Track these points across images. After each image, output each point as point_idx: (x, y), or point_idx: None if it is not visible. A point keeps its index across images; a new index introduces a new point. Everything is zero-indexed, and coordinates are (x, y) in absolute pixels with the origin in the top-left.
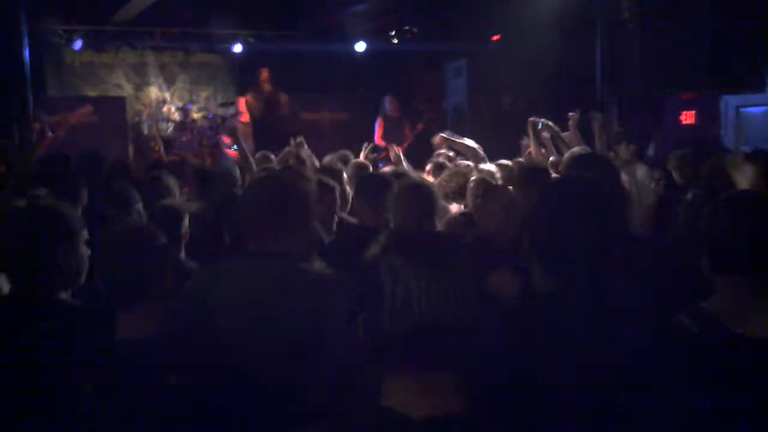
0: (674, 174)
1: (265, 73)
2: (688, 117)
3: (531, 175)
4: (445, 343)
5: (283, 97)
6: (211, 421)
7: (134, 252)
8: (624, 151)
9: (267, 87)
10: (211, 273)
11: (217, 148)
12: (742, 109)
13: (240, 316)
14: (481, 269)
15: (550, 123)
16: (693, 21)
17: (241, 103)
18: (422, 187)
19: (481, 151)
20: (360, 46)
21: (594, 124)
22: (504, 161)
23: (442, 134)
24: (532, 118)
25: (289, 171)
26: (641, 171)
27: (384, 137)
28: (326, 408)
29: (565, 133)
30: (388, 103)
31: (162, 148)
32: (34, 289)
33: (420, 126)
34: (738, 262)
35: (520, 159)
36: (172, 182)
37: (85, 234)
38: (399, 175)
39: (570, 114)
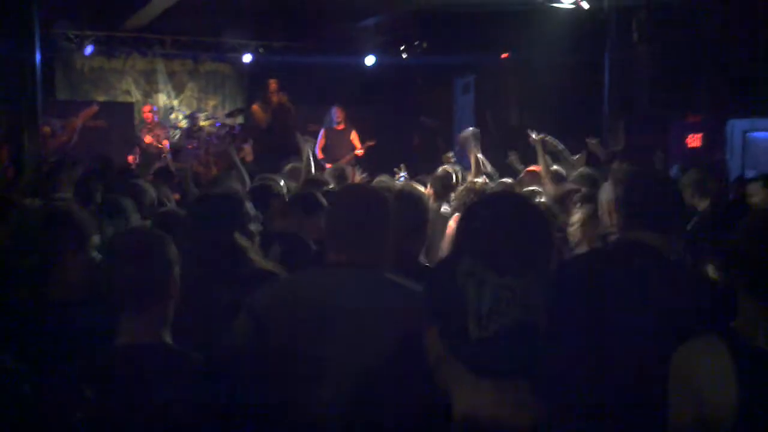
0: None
1: (273, 84)
2: (694, 140)
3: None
4: (529, 347)
5: (291, 108)
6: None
7: (139, 257)
8: (617, 167)
9: (275, 98)
10: (286, 284)
11: (223, 156)
12: (749, 134)
13: (317, 329)
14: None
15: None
16: (702, 45)
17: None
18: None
19: (487, 168)
20: (369, 60)
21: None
22: (506, 179)
23: (470, 137)
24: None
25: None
26: None
27: (325, 150)
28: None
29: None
30: (335, 115)
31: (169, 155)
32: (44, 290)
33: (370, 142)
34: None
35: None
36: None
37: (96, 236)
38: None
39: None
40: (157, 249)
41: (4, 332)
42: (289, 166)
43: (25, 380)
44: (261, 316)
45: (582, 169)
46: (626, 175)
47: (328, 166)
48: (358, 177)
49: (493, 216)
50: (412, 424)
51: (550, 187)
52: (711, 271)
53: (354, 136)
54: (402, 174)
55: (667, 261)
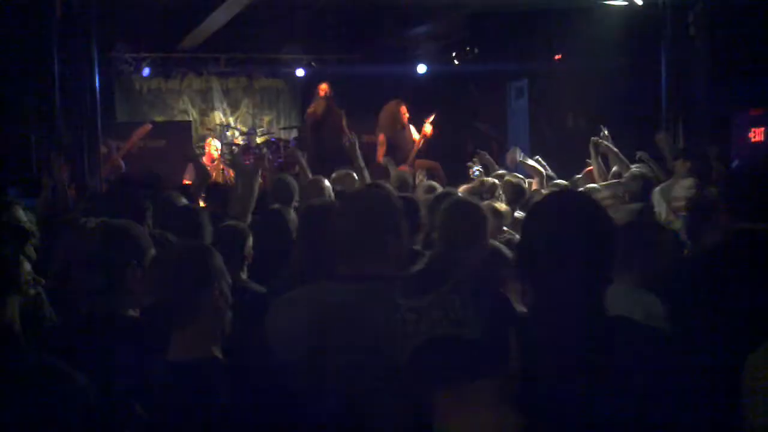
0: None
1: (324, 87)
2: (757, 134)
3: None
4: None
5: (341, 113)
6: None
7: (187, 272)
8: (680, 167)
9: (323, 99)
10: (290, 299)
11: (278, 171)
12: None
13: (322, 344)
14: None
15: (606, 142)
16: (762, 35)
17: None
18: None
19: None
20: (421, 68)
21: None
22: (560, 181)
23: (516, 153)
24: (594, 139)
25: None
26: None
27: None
28: None
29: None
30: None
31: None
32: (106, 306)
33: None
34: None
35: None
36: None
37: (153, 253)
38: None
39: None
40: (199, 261)
41: (71, 347)
42: (339, 173)
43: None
44: (279, 331)
45: (634, 169)
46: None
47: (402, 168)
48: (421, 177)
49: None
50: None
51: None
52: None
53: (412, 131)
54: (476, 168)
55: None
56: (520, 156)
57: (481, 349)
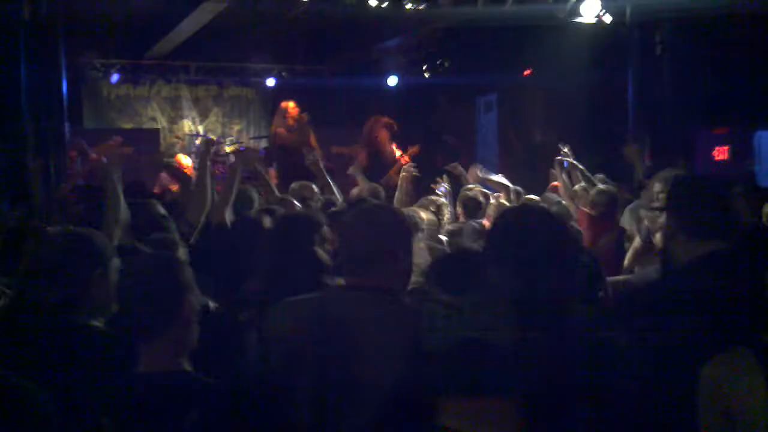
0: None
1: (291, 107)
2: (720, 152)
3: None
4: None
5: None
6: None
7: (155, 284)
8: (652, 185)
9: (291, 120)
10: (294, 307)
11: (248, 180)
12: None
13: (328, 354)
14: None
15: (569, 159)
16: (727, 55)
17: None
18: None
19: (512, 190)
20: (392, 80)
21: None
22: (533, 196)
23: (477, 170)
24: (558, 158)
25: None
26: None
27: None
28: None
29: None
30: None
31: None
32: (68, 316)
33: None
34: None
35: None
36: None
37: (117, 262)
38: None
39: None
40: (169, 274)
41: (29, 356)
42: (299, 184)
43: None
44: (278, 340)
45: (601, 186)
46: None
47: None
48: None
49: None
50: None
51: (571, 206)
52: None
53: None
54: (443, 185)
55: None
56: (482, 172)
57: (509, 359)
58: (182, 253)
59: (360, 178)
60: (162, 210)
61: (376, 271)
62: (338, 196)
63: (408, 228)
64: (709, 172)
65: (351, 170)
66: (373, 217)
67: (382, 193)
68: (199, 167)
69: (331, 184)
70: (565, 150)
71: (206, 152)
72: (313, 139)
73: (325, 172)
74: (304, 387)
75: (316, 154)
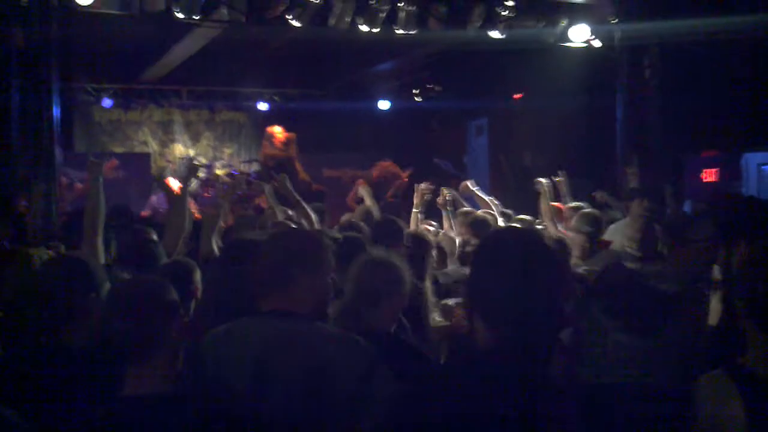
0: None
1: (279, 132)
2: (709, 175)
3: None
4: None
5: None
6: None
7: (142, 306)
8: (636, 206)
9: (279, 144)
10: (217, 334)
11: (239, 203)
12: (763, 167)
13: (241, 379)
14: None
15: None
16: (715, 79)
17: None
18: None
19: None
20: (384, 105)
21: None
22: (525, 216)
23: (469, 183)
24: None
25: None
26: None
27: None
28: None
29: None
30: None
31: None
32: (56, 338)
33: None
34: None
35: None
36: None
37: (108, 286)
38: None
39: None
40: (155, 298)
41: (15, 381)
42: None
43: None
44: (198, 365)
45: (587, 211)
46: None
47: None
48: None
49: None
50: None
51: (551, 228)
52: (714, 302)
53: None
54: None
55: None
56: (473, 186)
57: None
58: (198, 276)
59: (367, 196)
60: (153, 236)
61: (277, 294)
62: (312, 217)
63: (315, 251)
64: (698, 192)
65: (360, 191)
66: (277, 241)
67: (376, 214)
68: (180, 192)
69: (304, 205)
70: (560, 179)
71: (187, 176)
72: (297, 165)
73: (295, 194)
74: (246, 411)
75: (285, 177)
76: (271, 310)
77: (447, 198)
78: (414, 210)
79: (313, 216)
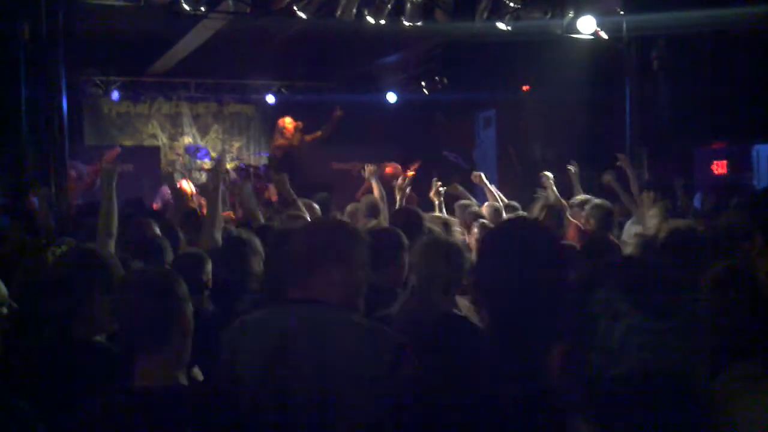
0: None
1: (289, 123)
2: (719, 167)
3: None
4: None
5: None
6: None
7: (153, 297)
8: (646, 198)
9: (290, 134)
10: (241, 323)
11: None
12: None
13: (264, 368)
14: None
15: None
16: (724, 71)
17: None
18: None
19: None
20: (391, 97)
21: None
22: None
23: (481, 174)
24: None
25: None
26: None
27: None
28: None
29: None
30: None
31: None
32: (70, 331)
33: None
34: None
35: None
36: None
37: (120, 277)
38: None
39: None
40: (166, 288)
41: (27, 372)
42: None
43: (38, 424)
44: (228, 358)
45: (598, 202)
46: None
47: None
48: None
49: None
50: None
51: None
52: None
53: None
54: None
55: None
56: (483, 178)
57: None
58: (209, 267)
59: (375, 184)
60: (157, 230)
61: (309, 284)
62: (316, 209)
63: (346, 242)
64: (708, 185)
65: (367, 175)
66: (309, 231)
67: (381, 206)
68: (212, 192)
69: (299, 205)
70: (572, 169)
71: (217, 176)
72: (307, 138)
73: (292, 193)
74: (267, 401)
75: (285, 176)
76: (297, 298)
77: (439, 189)
78: (435, 202)
79: (317, 208)
